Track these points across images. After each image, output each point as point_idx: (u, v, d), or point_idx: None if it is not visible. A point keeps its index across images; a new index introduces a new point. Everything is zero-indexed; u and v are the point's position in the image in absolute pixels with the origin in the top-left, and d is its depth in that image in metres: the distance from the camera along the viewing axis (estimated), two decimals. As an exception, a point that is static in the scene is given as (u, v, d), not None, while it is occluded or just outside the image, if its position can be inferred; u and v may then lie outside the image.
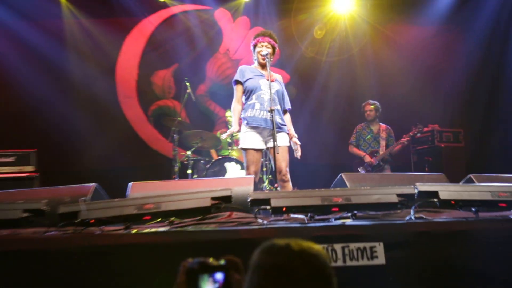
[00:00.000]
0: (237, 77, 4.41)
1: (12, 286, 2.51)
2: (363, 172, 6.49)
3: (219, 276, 1.21)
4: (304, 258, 1.14)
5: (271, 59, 4.38)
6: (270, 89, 4.21)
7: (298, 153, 4.60)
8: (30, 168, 6.14)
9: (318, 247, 1.20)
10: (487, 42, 7.50)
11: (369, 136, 6.59)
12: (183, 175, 6.43)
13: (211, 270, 1.22)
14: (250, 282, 1.17)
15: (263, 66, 4.38)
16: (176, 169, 6.29)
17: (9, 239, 2.78)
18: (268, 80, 4.26)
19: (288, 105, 4.64)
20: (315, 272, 1.14)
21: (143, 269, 2.20)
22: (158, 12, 7.68)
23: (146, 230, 2.94)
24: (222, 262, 1.24)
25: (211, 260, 1.23)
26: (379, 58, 7.88)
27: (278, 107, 4.35)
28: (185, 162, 6.41)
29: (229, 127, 5.61)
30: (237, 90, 4.44)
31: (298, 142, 4.58)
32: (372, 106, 6.47)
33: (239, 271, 1.24)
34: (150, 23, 7.61)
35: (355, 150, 6.55)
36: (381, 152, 6.42)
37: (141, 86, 7.72)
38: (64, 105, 7.13)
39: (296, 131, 4.62)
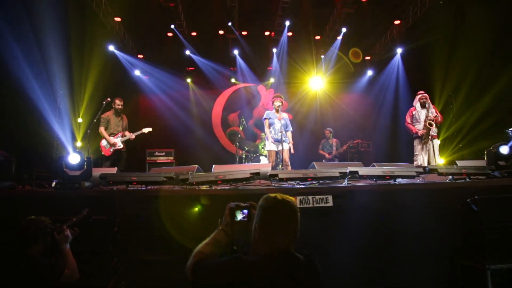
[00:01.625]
0: (265, 116, 7.44)
1: (154, 211, 3.83)
2: (324, 161, 10.27)
3: (245, 211, 2.05)
4: (283, 203, 1.92)
5: (281, 107, 7.44)
6: (280, 123, 7.18)
7: (292, 151, 7.34)
8: (171, 158, 10.15)
9: (292, 198, 1.96)
10: (378, 99, 12.36)
11: (327, 145, 10.88)
12: (240, 163, 9.78)
13: (241, 208, 2.06)
14: (257, 215, 1.97)
15: (277, 111, 7.36)
16: (237, 159, 10.04)
17: (157, 190, 4.17)
18: (278, 119, 7.24)
19: (290, 129, 7.39)
20: (289, 210, 1.92)
21: (217, 205, 2.98)
22: (231, 87, 13.24)
23: (219, 188, 4.22)
24: (247, 204, 2.10)
25: (241, 203, 2.09)
26: (333, 108, 12.95)
27: (283, 131, 7.15)
28: (242, 156, 10.12)
29: (263, 139, 9.95)
30: (265, 123, 7.40)
31: (292, 147, 7.33)
32: (329, 130, 10.99)
33: (255, 209, 2.03)
34: (227, 91, 13.22)
35: (321, 151, 10.84)
36: (334, 152, 10.68)
37: (223, 120, 13.00)
38: (185, 126, 12.17)
39: (293, 140, 7.48)
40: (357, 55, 12.52)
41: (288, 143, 7.30)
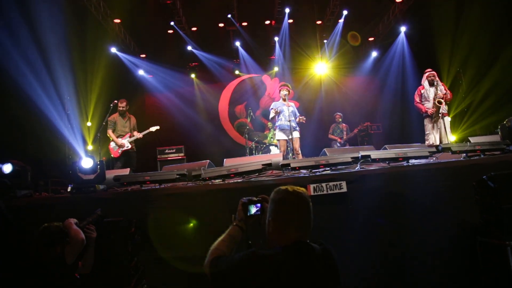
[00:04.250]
0: (272, 106, 7.40)
1: (170, 209, 3.87)
2: (336, 146, 10.48)
3: (258, 205, 2.11)
4: (295, 194, 1.91)
5: (288, 96, 7.40)
6: (288, 111, 7.11)
7: (303, 120, 7.23)
8: (182, 155, 10.10)
9: (303, 189, 1.95)
10: (385, 80, 12.27)
11: (338, 129, 10.85)
12: (251, 154, 9.74)
13: (254, 202, 2.11)
14: (269, 208, 1.99)
15: (284, 100, 7.32)
16: (247, 151, 10.01)
17: (171, 188, 4.33)
18: (287, 106, 7.19)
19: (297, 115, 7.35)
20: (301, 201, 1.91)
21: (230, 199, 2.93)
22: (236, 79, 13.28)
23: (232, 181, 4.32)
24: (259, 198, 2.13)
25: (254, 198, 2.14)
26: (340, 92, 12.94)
27: (293, 118, 7.09)
28: (252, 148, 10.07)
29: (271, 129, 10.07)
30: (271, 112, 7.33)
31: (304, 118, 7.26)
32: (339, 115, 11.01)
33: (267, 202, 2.04)
34: (232, 84, 13.27)
35: (331, 136, 10.85)
36: (344, 137, 10.71)
37: (230, 113, 13.10)
38: (193, 121, 12.27)
39: (303, 129, 7.72)
40: (355, 38, 12.33)
41: (300, 117, 7.31)
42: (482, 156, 4.56)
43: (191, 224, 3.84)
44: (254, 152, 10.08)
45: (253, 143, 10.25)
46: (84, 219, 3.18)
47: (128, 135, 7.83)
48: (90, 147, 9.55)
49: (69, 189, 4.55)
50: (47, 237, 2.85)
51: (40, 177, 6.59)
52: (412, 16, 11.03)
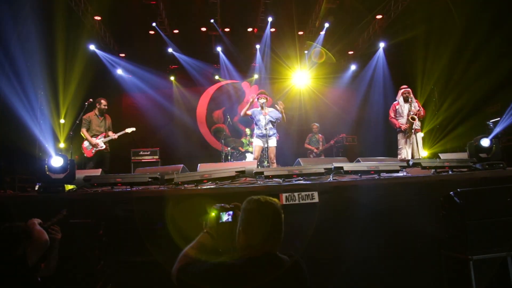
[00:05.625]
0: (249, 112, 7.43)
1: (140, 212, 3.78)
2: (311, 156, 10.68)
3: (230, 212, 2.06)
4: (266, 205, 1.90)
5: (266, 104, 7.36)
6: (265, 119, 7.18)
7: (282, 110, 7.32)
8: (156, 157, 10.21)
9: (275, 199, 1.94)
10: (362, 93, 12.61)
11: (314, 139, 10.97)
12: (226, 160, 9.85)
13: (226, 210, 2.07)
14: (240, 219, 1.95)
15: (262, 108, 7.33)
16: (223, 156, 10.09)
17: (143, 191, 4.23)
18: (263, 115, 7.25)
19: (276, 118, 7.35)
20: (273, 212, 1.90)
21: (203, 205, 2.53)
22: (215, 84, 13.33)
23: (205, 187, 4.24)
24: (231, 205, 2.09)
25: (226, 205, 2.10)
26: (318, 103, 13.07)
27: (270, 126, 7.14)
28: (228, 153, 10.08)
29: (248, 136, 10.34)
30: (245, 109, 7.42)
31: (282, 104, 7.33)
32: (316, 125, 11.13)
33: (240, 210, 2.01)
34: (211, 89, 13.31)
35: (307, 146, 10.92)
36: (320, 147, 10.83)
37: (208, 118, 13.10)
38: (170, 124, 12.25)
39: (279, 136, 7.68)
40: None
41: (280, 104, 7.36)
42: (450, 172, 4.70)
43: (161, 229, 3.77)
44: (230, 158, 10.10)
45: (229, 148, 10.24)
46: (48, 220, 3.08)
47: (102, 135, 7.67)
48: (62, 145, 9.33)
49: (36, 187, 4.40)
50: (8, 237, 2.75)
51: (8, 173, 6.38)
52: (391, 32, 11.33)
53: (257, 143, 7.44)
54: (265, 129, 7.07)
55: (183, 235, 3.15)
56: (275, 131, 7.46)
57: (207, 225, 2.09)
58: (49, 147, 7.45)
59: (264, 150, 7.32)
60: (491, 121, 7.06)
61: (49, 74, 8.46)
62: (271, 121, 7.31)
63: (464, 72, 8.94)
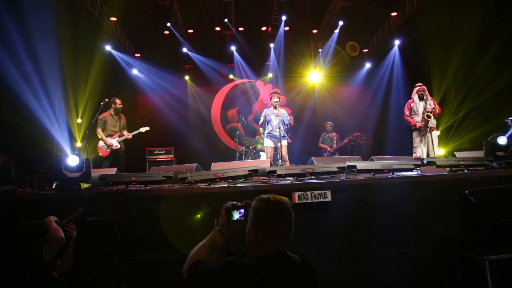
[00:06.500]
0: (263, 113, 7.33)
1: (152, 209, 3.85)
2: (325, 155, 10.47)
3: (241, 210, 2.06)
4: (276, 204, 1.86)
5: (279, 103, 7.31)
6: (277, 120, 7.13)
7: (291, 121, 7.29)
8: (171, 156, 10.28)
9: (285, 198, 1.89)
10: (376, 91, 12.38)
11: (328, 138, 10.78)
12: (240, 159, 9.86)
13: (237, 208, 2.06)
14: (250, 217, 1.92)
15: (275, 107, 7.26)
16: (237, 155, 10.13)
17: (156, 189, 4.27)
18: (275, 116, 7.19)
19: (286, 123, 7.32)
20: (282, 211, 1.86)
21: (216, 204, 2.77)
22: (230, 83, 13.33)
23: (218, 186, 4.27)
24: (243, 203, 2.08)
25: (238, 203, 2.09)
26: (331, 101, 13.08)
27: (282, 127, 7.05)
28: (242, 152, 10.12)
29: (261, 135, 9.74)
30: (261, 119, 7.36)
31: (292, 118, 7.32)
32: (330, 124, 10.96)
33: (251, 208, 1.95)
34: (226, 88, 13.29)
35: (321, 145, 10.75)
36: (334, 146, 10.67)
37: (222, 117, 13.13)
38: (184, 123, 12.38)
39: (293, 136, 8.47)
40: (354, 49, 12.47)
41: (290, 118, 7.35)
42: (465, 171, 4.62)
43: (175, 226, 3.82)
44: (244, 157, 10.09)
45: (243, 148, 10.23)
46: (65, 217, 3.16)
47: (117, 134, 7.78)
48: (78, 144, 9.50)
49: (54, 186, 4.49)
50: (25, 234, 2.82)
51: (27, 173, 6.53)
52: (406, 30, 11.17)
53: (268, 144, 7.41)
54: (278, 128, 7.05)
55: (195, 233, 3.15)
56: (285, 133, 7.42)
57: (219, 223, 2.09)
58: (66, 147, 7.60)
59: (277, 150, 7.37)
60: (509, 118, 6.88)
61: (67, 74, 8.58)
62: (283, 122, 7.29)
63: (482, 70, 8.75)
